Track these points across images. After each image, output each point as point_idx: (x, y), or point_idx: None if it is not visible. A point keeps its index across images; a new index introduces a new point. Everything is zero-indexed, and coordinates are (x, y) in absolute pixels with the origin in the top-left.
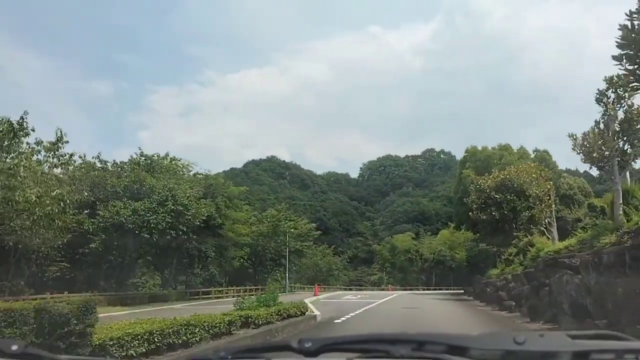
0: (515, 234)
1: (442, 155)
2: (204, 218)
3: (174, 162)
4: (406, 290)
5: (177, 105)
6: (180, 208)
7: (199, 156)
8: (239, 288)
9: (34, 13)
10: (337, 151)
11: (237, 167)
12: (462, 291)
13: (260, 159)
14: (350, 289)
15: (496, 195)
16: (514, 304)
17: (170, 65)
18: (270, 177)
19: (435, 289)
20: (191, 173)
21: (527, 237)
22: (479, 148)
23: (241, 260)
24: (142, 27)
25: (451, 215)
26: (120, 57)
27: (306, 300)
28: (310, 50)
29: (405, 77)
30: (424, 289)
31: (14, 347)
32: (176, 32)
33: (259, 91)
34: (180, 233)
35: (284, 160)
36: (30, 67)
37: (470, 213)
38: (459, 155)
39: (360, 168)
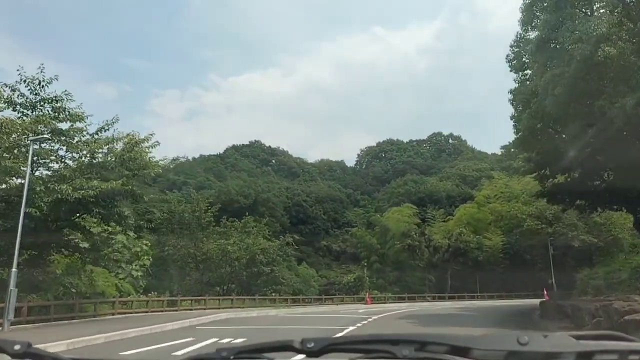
0: None
1: (450, 140)
2: None
3: None
4: (403, 301)
5: (182, 109)
6: None
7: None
8: None
9: (39, 17)
10: (343, 152)
11: (213, 154)
12: (537, 302)
13: (242, 144)
14: (274, 304)
15: None
16: None
17: (175, 68)
18: (253, 164)
19: (453, 298)
20: None
21: None
22: None
23: None
24: (147, 31)
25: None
26: (125, 60)
27: None
28: (315, 51)
29: (410, 76)
30: (433, 298)
31: (17, 347)
32: (181, 35)
33: (263, 92)
34: None
35: (269, 146)
36: (36, 71)
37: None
38: (470, 140)
39: (358, 155)
